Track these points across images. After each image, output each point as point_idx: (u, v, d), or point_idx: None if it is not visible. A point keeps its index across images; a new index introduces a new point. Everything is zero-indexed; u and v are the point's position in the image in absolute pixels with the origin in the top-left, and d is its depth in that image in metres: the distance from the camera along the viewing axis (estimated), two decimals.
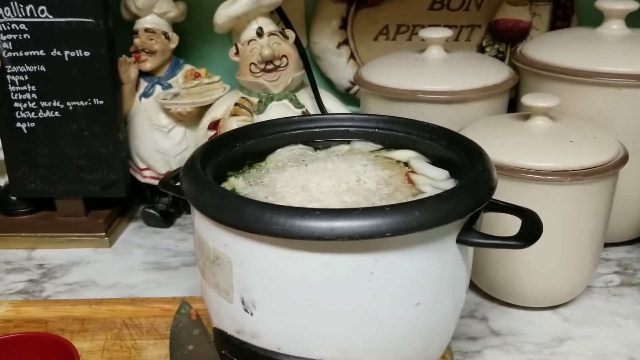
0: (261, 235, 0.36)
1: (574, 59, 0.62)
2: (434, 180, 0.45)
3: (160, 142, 0.73)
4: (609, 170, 0.52)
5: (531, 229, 0.39)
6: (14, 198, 0.73)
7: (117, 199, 0.74)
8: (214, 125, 0.67)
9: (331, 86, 0.83)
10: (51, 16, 0.65)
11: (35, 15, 0.65)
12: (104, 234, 0.73)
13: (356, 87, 0.82)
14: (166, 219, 0.76)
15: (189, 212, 0.79)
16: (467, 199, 0.38)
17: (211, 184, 0.40)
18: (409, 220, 0.35)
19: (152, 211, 0.76)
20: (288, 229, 0.35)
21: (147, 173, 0.75)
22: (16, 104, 0.68)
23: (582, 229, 0.55)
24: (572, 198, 0.53)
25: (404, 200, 0.42)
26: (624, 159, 0.54)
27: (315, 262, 0.36)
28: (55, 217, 0.73)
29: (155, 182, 0.76)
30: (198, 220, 0.42)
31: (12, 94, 0.68)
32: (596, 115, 0.61)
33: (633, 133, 0.61)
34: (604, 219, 0.56)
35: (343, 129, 0.53)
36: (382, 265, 0.37)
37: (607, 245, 0.65)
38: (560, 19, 0.77)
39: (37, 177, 0.71)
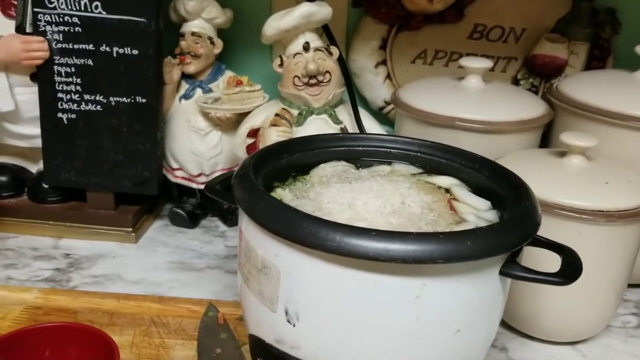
0: (315, 250, 0.37)
1: (610, 101, 0.63)
2: (476, 209, 0.46)
3: (196, 144, 0.74)
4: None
5: (573, 268, 0.40)
6: (46, 186, 0.74)
7: (146, 195, 0.75)
8: (254, 133, 0.68)
9: (365, 104, 0.84)
10: (104, 12, 0.66)
11: (89, 10, 0.66)
12: (131, 229, 0.74)
13: (389, 107, 0.83)
14: (192, 220, 0.77)
15: (214, 215, 0.80)
16: (516, 233, 0.39)
17: (266, 194, 0.41)
18: (461, 249, 0.36)
19: (179, 211, 0.77)
20: (344, 247, 0.36)
21: (178, 173, 0.77)
22: (60, 95, 0.69)
23: (610, 269, 0.56)
24: (604, 238, 0.54)
25: (449, 228, 0.43)
26: None
27: (364, 281, 0.37)
28: (85, 208, 0.74)
29: (186, 183, 0.77)
30: (247, 227, 0.43)
31: (57, 84, 0.69)
32: (628, 158, 0.62)
33: None
34: (630, 261, 0.57)
35: (385, 149, 0.55)
36: (429, 290, 0.38)
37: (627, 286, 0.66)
38: (597, 59, 0.78)
39: (72, 168, 0.72)
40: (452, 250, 0.36)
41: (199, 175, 0.76)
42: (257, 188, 0.42)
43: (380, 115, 0.84)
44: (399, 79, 0.82)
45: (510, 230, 0.39)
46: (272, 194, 0.47)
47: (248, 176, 0.44)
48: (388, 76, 0.82)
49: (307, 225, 0.37)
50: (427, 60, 0.82)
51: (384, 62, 0.82)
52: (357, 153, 0.54)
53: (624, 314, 0.66)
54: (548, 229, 0.52)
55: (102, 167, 0.72)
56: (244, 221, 0.43)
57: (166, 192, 0.80)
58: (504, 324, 0.62)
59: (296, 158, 0.52)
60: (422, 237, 0.36)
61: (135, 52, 0.67)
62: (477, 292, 0.40)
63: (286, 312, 0.40)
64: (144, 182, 0.72)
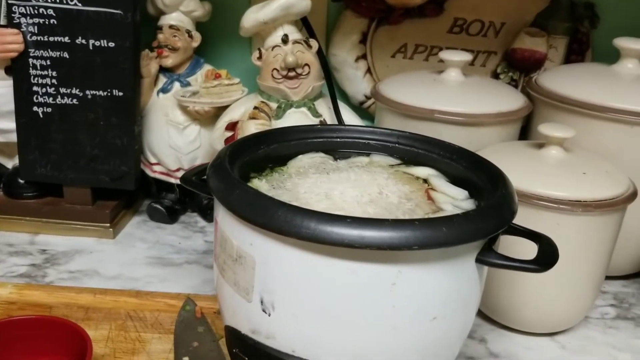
0: (290, 238, 0.37)
1: (589, 93, 0.63)
2: (454, 199, 0.46)
3: (174, 138, 0.73)
4: (619, 204, 0.54)
5: (549, 255, 0.41)
6: (21, 181, 0.73)
7: (124, 191, 0.74)
8: (232, 126, 0.67)
9: (346, 98, 0.84)
10: (80, 4, 0.65)
11: (65, 2, 0.65)
12: (108, 224, 0.73)
13: (370, 101, 0.83)
14: (171, 215, 0.77)
15: (193, 211, 0.80)
16: (492, 219, 0.39)
17: (241, 183, 0.41)
18: (436, 236, 0.36)
19: (158, 206, 0.76)
20: (318, 234, 0.36)
21: (157, 168, 0.76)
22: (35, 88, 0.68)
23: (587, 260, 0.56)
24: (582, 228, 0.54)
25: (426, 216, 0.43)
26: (633, 195, 0.55)
27: (340, 269, 0.37)
28: (62, 203, 0.73)
29: (164, 178, 0.76)
30: (222, 217, 0.42)
31: (32, 77, 0.68)
32: (606, 150, 0.63)
33: None
34: (608, 252, 0.58)
35: (364, 141, 0.54)
36: (405, 277, 0.37)
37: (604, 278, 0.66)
38: (576, 53, 0.79)
39: (48, 163, 0.71)
40: (428, 236, 0.36)
41: (178, 170, 0.75)
42: (232, 177, 0.41)
43: (360, 109, 0.84)
44: (379, 73, 0.82)
45: (486, 217, 0.39)
46: (249, 184, 0.47)
47: (223, 166, 0.43)
48: (368, 70, 0.82)
49: (282, 213, 0.37)
50: (408, 55, 0.82)
51: (364, 57, 0.81)
52: (336, 144, 0.54)
53: (602, 305, 0.66)
54: (526, 219, 0.52)
55: (79, 162, 0.71)
56: (220, 211, 0.43)
57: (145, 187, 0.79)
58: (483, 315, 0.62)
59: (273, 149, 0.51)
60: (397, 224, 0.36)
61: (111, 44, 0.66)
62: (453, 279, 0.39)
63: (261, 302, 0.40)
64: (122, 176, 0.71)
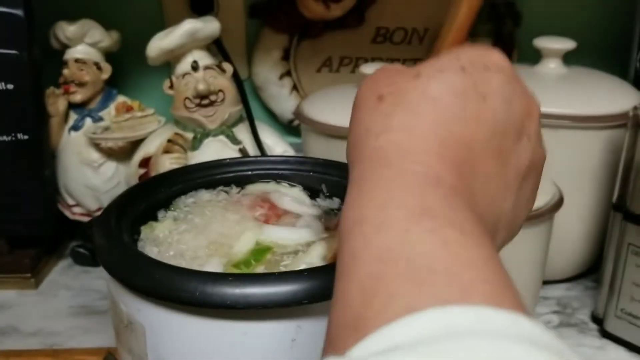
0: (171, 303, 0.34)
1: None
2: None
3: (90, 177, 0.69)
4: (544, 215, 0.52)
5: None
6: None
7: (44, 236, 0.70)
8: (145, 162, 0.64)
9: (274, 118, 0.81)
10: None
11: None
12: (29, 274, 0.69)
13: None
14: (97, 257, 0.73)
15: None
16: None
17: (121, 242, 0.38)
18: (328, 286, 0.33)
19: (81, 250, 0.72)
20: (198, 296, 0.33)
21: (76, 210, 0.72)
22: None
23: (519, 274, 0.54)
24: (508, 244, 0.52)
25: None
26: (558, 204, 0.54)
27: (232, 331, 0.34)
28: None
29: (85, 219, 0.72)
30: (109, 280, 0.39)
31: None
32: None
33: (569, 174, 0.61)
34: (540, 262, 0.56)
35: (277, 172, 0.51)
36: (305, 331, 0.35)
37: (546, 282, 0.65)
38: None
39: None
40: (319, 288, 0.33)
41: (99, 209, 0.71)
42: (112, 235, 0.38)
43: (290, 128, 0.81)
44: (306, 89, 0.79)
45: None
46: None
47: (107, 221, 0.40)
48: (294, 87, 0.79)
49: (159, 275, 0.34)
50: (333, 68, 0.79)
51: (288, 73, 0.79)
52: (247, 178, 0.51)
53: (545, 313, 0.64)
54: None
55: None
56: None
57: (70, 230, 0.75)
58: None
59: (175, 191, 0.48)
60: (284, 278, 0.33)
61: (10, 86, 0.62)
62: None
63: None
64: (37, 223, 0.67)
